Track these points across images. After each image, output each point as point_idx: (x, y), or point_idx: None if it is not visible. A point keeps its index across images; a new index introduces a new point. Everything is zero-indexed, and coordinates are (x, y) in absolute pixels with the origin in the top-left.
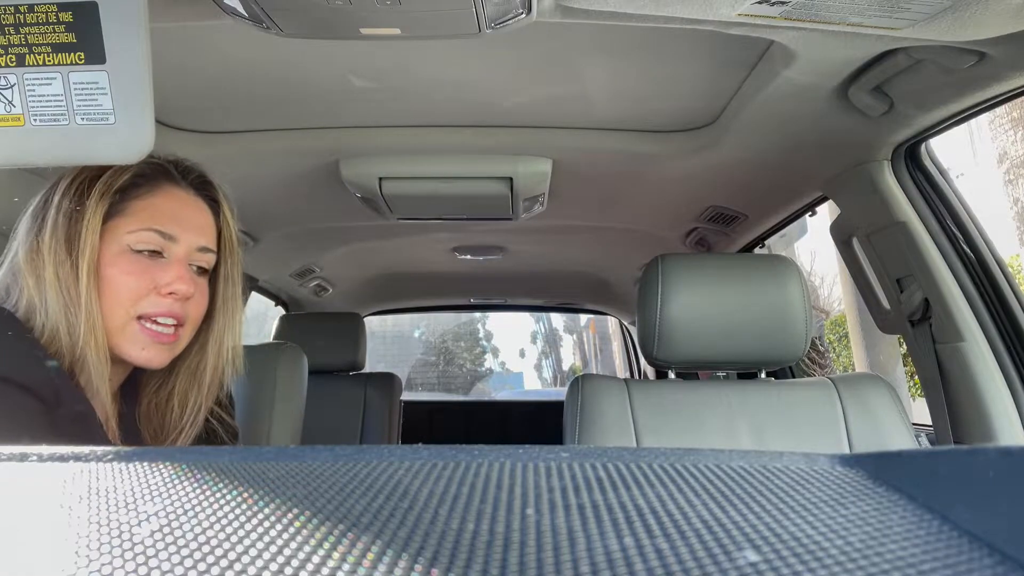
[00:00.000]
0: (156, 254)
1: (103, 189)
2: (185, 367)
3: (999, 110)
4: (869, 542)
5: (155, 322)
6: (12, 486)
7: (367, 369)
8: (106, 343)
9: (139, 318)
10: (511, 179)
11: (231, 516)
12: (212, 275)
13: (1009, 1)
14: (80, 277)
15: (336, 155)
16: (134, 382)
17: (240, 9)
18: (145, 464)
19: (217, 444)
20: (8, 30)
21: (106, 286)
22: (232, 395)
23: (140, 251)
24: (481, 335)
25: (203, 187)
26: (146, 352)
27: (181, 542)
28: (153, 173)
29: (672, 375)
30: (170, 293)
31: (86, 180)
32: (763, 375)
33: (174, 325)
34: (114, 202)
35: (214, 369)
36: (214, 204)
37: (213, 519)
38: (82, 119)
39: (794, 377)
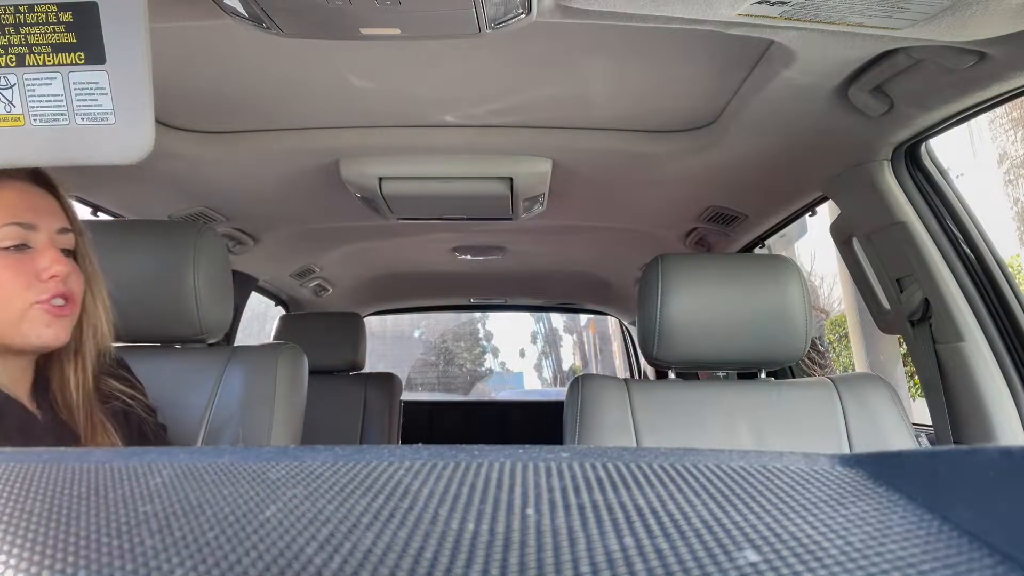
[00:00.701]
0: (22, 247)
1: None
2: (67, 348)
3: (999, 110)
4: (869, 542)
5: (50, 304)
6: (12, 486)
7: (367, 369)
8: None
9: (32, 305)
10: (511, 179)
11: (231, 516)
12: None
13: (1009, 1)
14: None
15: (336, 155)
16: (46, 382)
17: (240, 9)
18: (145, 464)
19: (133, 426)
20: (8, 30)
21: None
22: (137, 379)
23: (7, 248)
24: (481, 335)
25: (36, 176)
26: (51, 329)
27: (181, 542)
28: None
29: (672, 375)
30: (52, 276)
31: None
32: (763, 375)
33: (64, 302)
34: None
35: (93, 341)
36: (52, 188)
37: (213, 519)
38: (82, 119)
39: (794, 377)
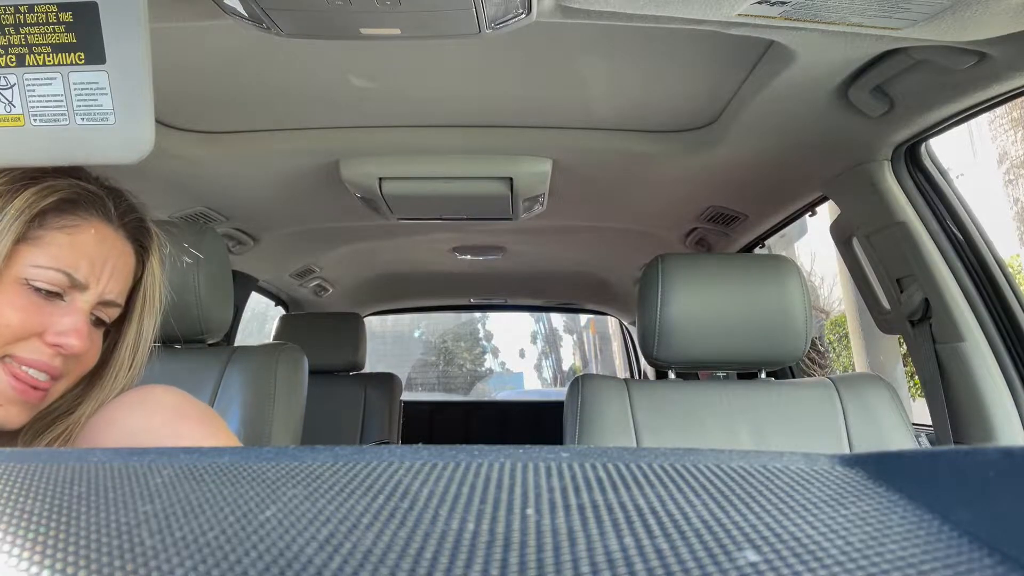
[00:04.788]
0: (55, 296)
1: (24, 207)
2: (55, 431)
3: (999, 110)
4: (869, 542)
5: (24, 370)
6: (12, 486)
7: (367, 369)
8: None
9: (5, 357)
10: (511, 179)
11: (231, 516)
12: (119, 327)
13: (1009, 1)
14: None
15: (336, 155)
16: None
17: (240, 9)
18: (145, 464)
19: None
20: (8, 30)
21: None
22: None
23: (39, 288)
24: (481, 335)
25: (138, 232)
26: (3, 409)
27: (181, 542)
28: (86, 203)
29: (672, 375)
30: (56, 345)
31: (5, 193)
32: (763, 375)
33: (48, 379)
34: (32, 225)
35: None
36: (142, 251)
37: (213, 519)
38: (82, 119)
39: (794, 377)
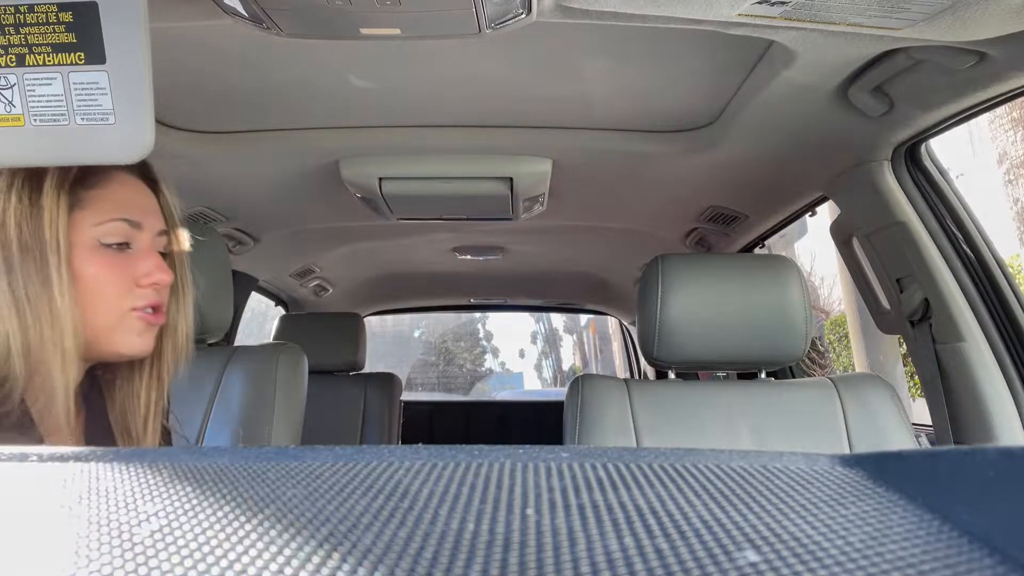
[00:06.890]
0: (123, 247)
1: (57, 183)
2: (147, 360)
3: (999, 110)
4: (869, 542)
5: (148, 311)
6: (12, 486)
7: (367, 369)
8: (77, 349)
9: (129, 312)
10: (511, 179)
11: (231, 516)
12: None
13: (1009, 1)
14: (52, 282)
15: (336, 155)
16: (96, 387)
17: (240, 9)
18: (145, 464)
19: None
20: (8, 30)
21: (87, 286)
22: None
23: (109, 244)
24: (481, 335)
25: (142, 172)
26: (141, 339)
27: (181, 542)
28: None
29: (672, 375)
30: (152, 283)
31: (27, 179)
32: (763, 375)
33: (161, 304)
34: (72, 193)
35: (172, 354)
36: (153, 184)
37: (213, 519)
38: (82, 119)
39: (794, 377)
